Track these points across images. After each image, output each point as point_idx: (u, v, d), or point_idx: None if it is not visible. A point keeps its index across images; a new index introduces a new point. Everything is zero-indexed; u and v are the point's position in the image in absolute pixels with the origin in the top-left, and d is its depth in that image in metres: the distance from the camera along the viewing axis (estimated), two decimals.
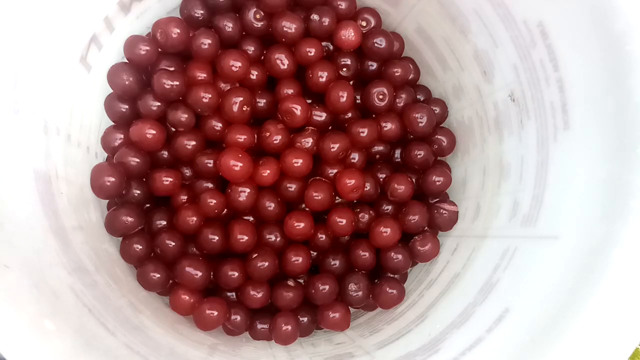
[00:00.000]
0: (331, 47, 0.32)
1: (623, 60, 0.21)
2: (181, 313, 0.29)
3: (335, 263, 0.31)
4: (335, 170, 0.31)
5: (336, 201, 0.31)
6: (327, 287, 0.29)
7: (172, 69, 0.30)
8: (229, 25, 0.30)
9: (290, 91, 0.31)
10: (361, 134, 0.30)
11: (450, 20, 0.29)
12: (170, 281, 0.29)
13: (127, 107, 0.30)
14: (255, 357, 0.29)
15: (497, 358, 0.23)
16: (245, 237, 0.29)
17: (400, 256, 0.30)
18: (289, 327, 0.29)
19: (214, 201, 0.29)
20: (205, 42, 0.29)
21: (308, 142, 0.30)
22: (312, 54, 0.30)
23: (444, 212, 0.31)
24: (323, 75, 0.30)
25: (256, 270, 0.29)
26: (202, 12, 0.30)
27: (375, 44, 0.31)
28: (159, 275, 0.29)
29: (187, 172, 0.31)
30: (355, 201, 0.32)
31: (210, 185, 0.31)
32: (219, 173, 0.29)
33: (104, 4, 0.27)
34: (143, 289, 0.29)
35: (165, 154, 0.30)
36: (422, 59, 0.34)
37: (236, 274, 0.29)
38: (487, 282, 0.26)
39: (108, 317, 0.23)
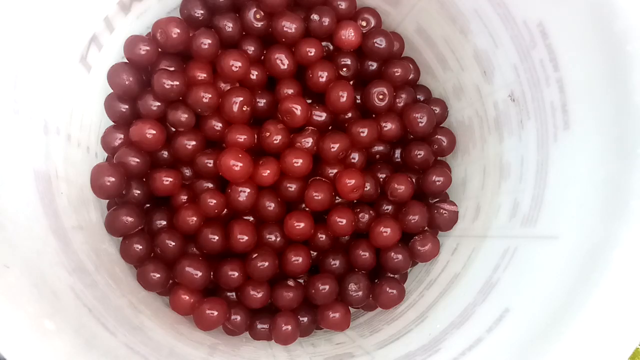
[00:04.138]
0: (331, 47, 0.32)
1: (623, 60, 0.21)
2: (181, 313, 0.29)
3: (335, 263, 0.31)
4: (335, 170, 0.31)
5: (336, 201, 0.31)
6: (327, 287, 0.29)
7: (172, 69, 0.30)
8: (229, 25, 0.30)
9: (290, 91, 0.31)
10: (361, 134, 0.30)
11: (450, 20, 0.29)
12: (170, 281, 0.29)
13: (127, 107, 0.30)
14: (255, 357, 0.29)
15: (497, 358, 0.23)
16: (245, 237, 0.29)
17: (400, 256, 0.30)
18: (289, 327, 0.29)
19: (214, 201, 0.29)
20: (205, 42, 0.29)
21: (308, 142, 0.30)
22: (312, 54, 0.30)
23: (444, 212, 0.31)
24: (323, 75, 0.30)
25: (256, 270, 0.29)
26: (202, 12, 0.30)
27: (375, 44, 0.31)
28: (159, 275, 0.29)
29: (187, 172, 0.31)
30: (355, 201, 0.32)
31: (210, 185, 0.31)
32: (219, 173, 0.29)
33: (104, 4, 0.27)
34: (143, 289, 0.29)
35: (165, 154, 0.30)
36: (422, 59, 0.34)
37: (236, 274, 0.29)
38: (487, 282, 0.26)
39: (108, 317, 0.23)
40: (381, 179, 0.32)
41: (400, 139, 0.32)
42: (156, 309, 0.29)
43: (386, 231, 0.30)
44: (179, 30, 0.29)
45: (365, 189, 0.31)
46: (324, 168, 0.31)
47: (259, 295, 0.29)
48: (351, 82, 0.32)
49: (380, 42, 0.31)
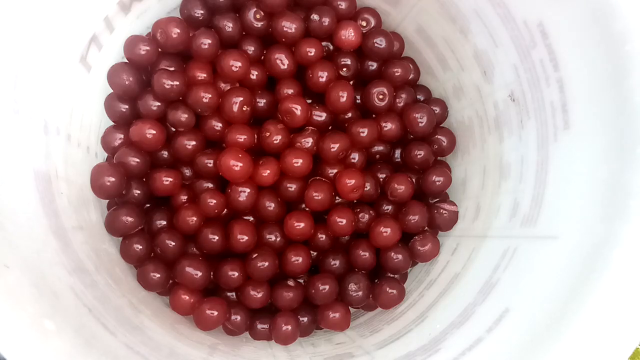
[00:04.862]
0: (331, 47, 0.32)
1: (623, 60, 0.21)
2: (181, 313, 0.29)
3: (335, 263, 0.31)
4: (335, 170, 0.31)
5: (336, 201, 0.31)
6: (327, 287, 0.29)
7: (172, 69, 0.30)
8: (229, 25, 0.30)
9: (290, 91, 0.31)
10: (361, 134, 0.30)
11: (450, 20, 0.29)
12: (170, 281, 0.29)
13: (127, 107, 0.30)
14: (255, 357, 0.29)
15: (497, 358, 0.23)
16: (245, 237, 0.29)
17: (400, 256, 0.30)
18: (289, 327, 0.29)
19: (214, 201, 0.29)
20: (205, 42, 0.29)
21: (308, 142, 0.30)
22: (312, 54, 0.30)
23: (444, 212, 0.31)
24: (323, 75, 0.30)
25: (256, 270, 0.29)
26: (202, 12, 0.30)
27: (375, 44, 0.31)
28: (159, 275, 0.29)
29: (187, 172, 0.31)
30: (355, 201, 0.32)
31: (210, 185, 0.31)
32: (219, 173, 0.29)
33: (104, 4, 0.27)
34: (143, 289, 0.29)
35: (165, 154, 0.30)
36: (422, 59, 0.34)
37: (236, 274, 0.29)
38: (487, 282, 0.26)
39: (108, 317, 0.23)
40: (381, 179, 0.32)
41: (400, 139, 0.32)
42: (156, 309, 0.29)
43: (386, 231, 0.30)
44: (179, 30, 0.29)
45: (365, 189, 0.31)
46: (324, 168, 0.31)
47: (259, 295, 0.29)
48: (351, 82, 0.32)
49: (380, 42, 0.31)
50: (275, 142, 0.30)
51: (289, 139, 0.30)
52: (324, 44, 0.32)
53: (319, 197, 0.29)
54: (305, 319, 0.31)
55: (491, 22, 0.27)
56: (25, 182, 0.23)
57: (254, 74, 0.31)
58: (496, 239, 0.28)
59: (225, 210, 0.30)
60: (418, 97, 0.34)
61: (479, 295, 0.26)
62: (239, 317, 0.30)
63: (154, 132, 0.29)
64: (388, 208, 0.32)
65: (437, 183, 0.31)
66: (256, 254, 0.29)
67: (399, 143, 0.33)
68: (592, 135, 0.22)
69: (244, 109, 0.29)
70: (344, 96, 0.30)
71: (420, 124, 0.31)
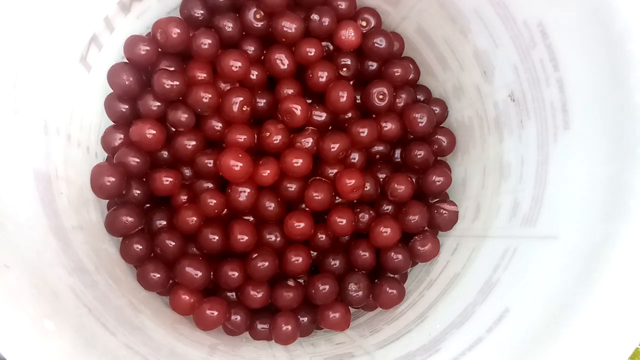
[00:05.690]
0: (331, 47, 0.32)
1: (623, 60, 0.21)
2: (181, 313, 0.29)
3: (335, 263, 0.31)
4: (335, 170, 0.31)
5: (336, 201, 0.31)
6: (327, 287, 0.29)
7: (172, 69, 0.30)
8: (229, 25, 0.30)
9: (290, 91, 0.31)
10: (361, 134, 0.30)
11: (450, 20, 0.29)
12: (170, 281, 0.29)
13: (127, 107, 0.30)
14: (255, 357, 0.29)
15: (497, 358, 0.23)
16: (245, 237, 0.29)
17: (400, 256, 0.30)
18: (289, 327, 0.29)
19: (214, 201, 0.29)
20: (205, 42, 0.29)
21: (308, 142, 0.30)
22: (312, 54, 0.30)
23: (444, 212, 0.31)
24: (323, 75, 0.30)
25: (256, 270, 0.29)
26: (202, 12, 0.30)
27: (375, 44, 0.31)
28: (159, 275, 0.29)
29: (187, 172, 0.31)
30: (355, 201, 0.32)
31: (210, 185, 0.31)
32: (219, 173, 0.29)
33: (104, 4, 0.27)
34: (143, 289, 0.29)
35: (165, 154, 0.30)
36: (422, 59, 0.34)
37: (236, 274, 0.29)
38: (487, 282, 0.26)
39: (108, 317, 0.23)
40: (381, 179, 0.32)
41: (400, 139, 0.32)
42: (156, 309, 0.29)
43: (386, 231, 0.30)
44: (179, 30, 0.29)
45: (365, 189, 0.31)
46: (324, 168, 0.31)
47: (259, 295, 0.29)
48: (351, 82, 0.32)
49: (380, 42, 0.31)
50: (275, 142, 0.30)
51: (289, 139, 0.30)
52: (324, 44, 0.32)
53: (319, 197, 0.29)
54: (305, 319, 0.31)
55: (491, 22, 0.27)
56: (25, 182, 0.23)
57: (254, 74, 0.31)
58: (496, 239, 0.28)
59: (225, 210, 0.30)
60: (418, 97, 0.34)
61: (479, 295, 0.26)
62: (239, 317, 0.30)
63: (154, 132, 0.29)
64: (388, 208, 0.32)
65: (437, 183, 0.31)
66: (256, 254, 0.29)
67: (399, 143, 0.33)
68: (592, 136, 0.22)
69: (244, 109, 0.29)
70: (344, 96, 0.30)
71: (420, 124, 0.31)
